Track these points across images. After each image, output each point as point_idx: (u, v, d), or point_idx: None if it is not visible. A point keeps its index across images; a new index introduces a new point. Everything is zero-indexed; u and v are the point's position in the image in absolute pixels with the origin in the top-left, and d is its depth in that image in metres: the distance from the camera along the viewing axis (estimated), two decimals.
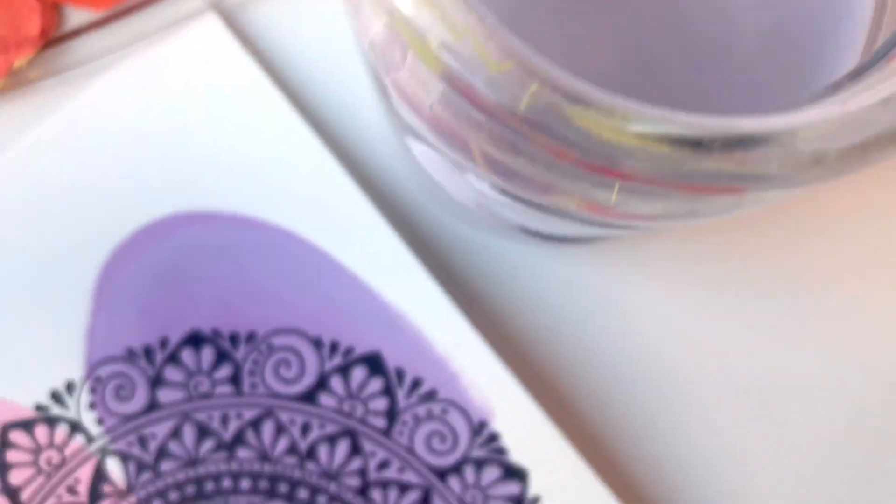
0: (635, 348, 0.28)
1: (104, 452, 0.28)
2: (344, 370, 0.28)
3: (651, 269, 0.28)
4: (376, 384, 0.28)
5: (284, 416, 0.28)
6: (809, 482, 0.28)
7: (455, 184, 0.21)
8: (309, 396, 0.28)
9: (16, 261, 0.28)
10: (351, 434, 0.28)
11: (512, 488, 0.28)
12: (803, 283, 0.28)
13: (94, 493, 0.28)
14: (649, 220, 0.17)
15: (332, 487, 0.28)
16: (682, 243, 0.28)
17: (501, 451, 0.28)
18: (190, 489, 0.28)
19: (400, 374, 0.28)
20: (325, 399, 0.28)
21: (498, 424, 0.28)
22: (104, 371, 0.28)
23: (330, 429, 0.28)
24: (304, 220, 0.28)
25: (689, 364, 0.28)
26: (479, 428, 0.28)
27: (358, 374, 0.28)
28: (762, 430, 0.28)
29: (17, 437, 0.28)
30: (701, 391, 0.28)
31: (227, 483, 0.28)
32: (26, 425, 0.28)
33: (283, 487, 0.28)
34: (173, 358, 0.28)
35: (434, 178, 0.23)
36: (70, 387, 0.28)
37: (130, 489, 0.28)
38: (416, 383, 0.28)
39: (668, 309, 0.28)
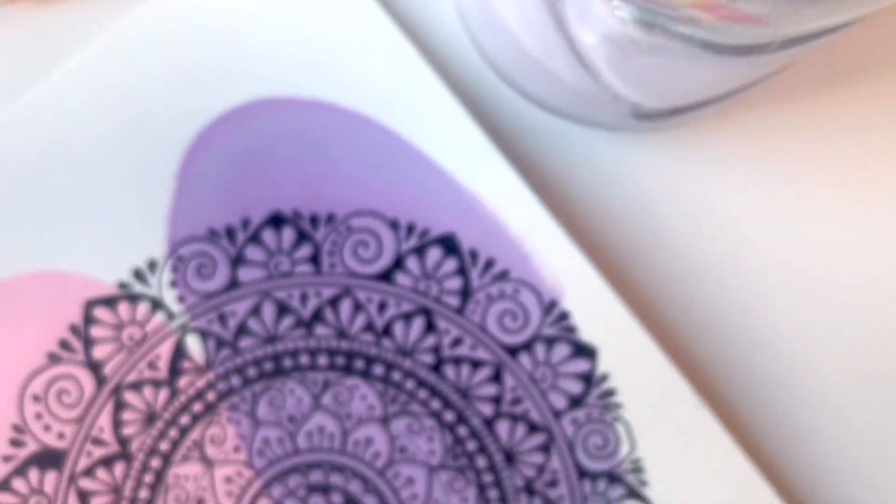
0: (701, 234, 0.29)
1: (184, 329, 0.29)
2: (420, 251, 0.29)
3: (717, 156, 0.29)
4: (451, 264, 0.29)
5: (361, 295, 0.29)
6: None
7: (561, 55, 0.22)
8: (385, 276, 0.29)
9: (104, 145, 0.29)
10: (425, 312, 0.29)
11: (581, 366, 0.29)
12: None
13: (174, 369, 0.29)
14: (753, 23, 0.17)
15: (407, 364, 0.29)
16: (747, 131, 0.29)
17: (571, 330, 0.29)
18: (268, 365, 0.29)
19: (474, 255, 0.29)
20: (401, 278, 0.29)
21: (568, 303, 0.29)
22: (186, 250, 0.29)
23: (405, 307, 0.29)
24: (382, 105, 0.29)
25: (757, 248, 0.29)
26: (549, 307, 0.29)
27: (433, 254, 0.29)
28: (824, 317, 0.29)
29: (100, 313, 0.29)
30: (769, 274, 0.29)
31: (304, 359, 0.29)
32: (109, 302, 0.29)
33: (359, 364, 0.29)
34: (254, 238, 0.29)
35: (531, 55, 0.24)
36: (152, 265, 0.29)
37: (209, 365, 0.29)
38: (490, 263, 0.29)
39: (736, 195, 0.29)
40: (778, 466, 0.29)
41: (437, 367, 0.29)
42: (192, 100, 0.29)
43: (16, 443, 0.29)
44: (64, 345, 0.29)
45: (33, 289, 0.29)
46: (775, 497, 0.29)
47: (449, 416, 0.29)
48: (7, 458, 0.29)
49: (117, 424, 0.29)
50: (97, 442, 0.29)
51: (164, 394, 0.29)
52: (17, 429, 0.29)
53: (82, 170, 0.29)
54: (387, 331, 0.29)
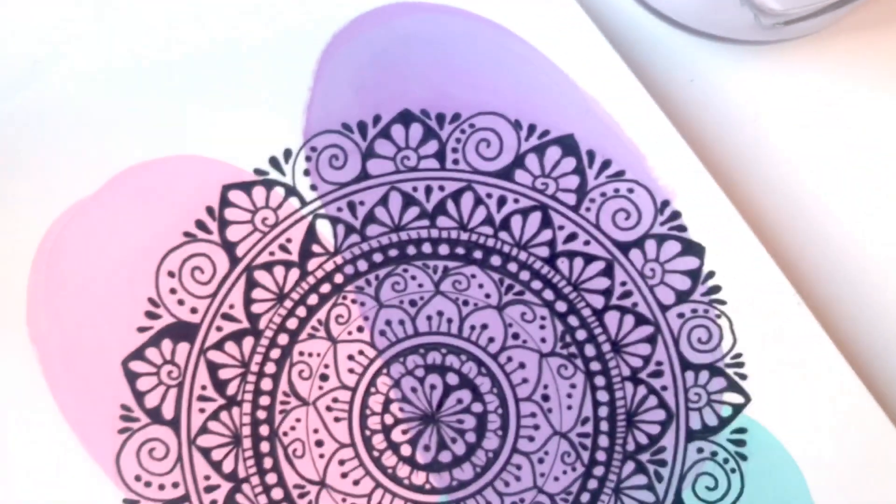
0: (809, 144, 0.31)
1: (316, 215, 0.31)
2: (539, 150, 0.31)
3: (831, 71, 0.31)
4: (568, 164, 0.31)
5: (482, 190, 0.31)
6: None
7: None
8: (506, 173, 0.31)
9: (250, 41, 0.31)
10: (542, 208, 0.31)
11: (689, 263, 0.31)
12: None
13: (304, 252, 0.31)
14: None
15: (522, 256, 0.31)
16: (861, 49, 0.31)
17: (682, 229, 0.31)
18: (393, 252, 0.31)
19: (591, 156, 0.31)
20: (521, 175, 0.31)
21: (680, 204, 0.31)
22: (320, 141, 0.31)
23: (523, 203, 0.31)
24: (510, 12, 0.31)
25: (861, 160, 0.31)
26: (662, 206, 0.31)
27: (552, 154, 0.31)
28: None
29: (235, 196, 0.31)
30: (874, 187, 0.31)
31: (426, 248, 0.31)
32: (245, 186, 0.31)
33: (477, 254, 0.31)
34: (384, 133, 0.31)
35: None
36: (287, 154, 0.31)
37: (338, 250, 0.31)
38: (606, 164, 0.31)
39: (845, 110, 0.31)
40: (871, 367, 0.31)
41: (551, 260, 0.31)
42: (332, 2, 0.31)
43: (151, 315, 0.31)
44: (200, 225, 0.31)
45: (175, 171, 0.31)
46: (869, 395, 0.30)
47: (561, 306, 0.31)
48: (142, 329, 0.31)
49: (248, 302, 0.31)
50: (228, 317, 0.31)
51: (293, 274, 0.31)
52: (153, 302, 0.31)
53: (229, 63, 0.31)
54: (504, 224, 0.31)
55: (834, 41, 0.31)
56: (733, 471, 0.31)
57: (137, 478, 0.30)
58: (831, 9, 0.27)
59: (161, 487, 0.30)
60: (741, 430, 0.31)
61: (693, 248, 0.31)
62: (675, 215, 0.31)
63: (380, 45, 0.31)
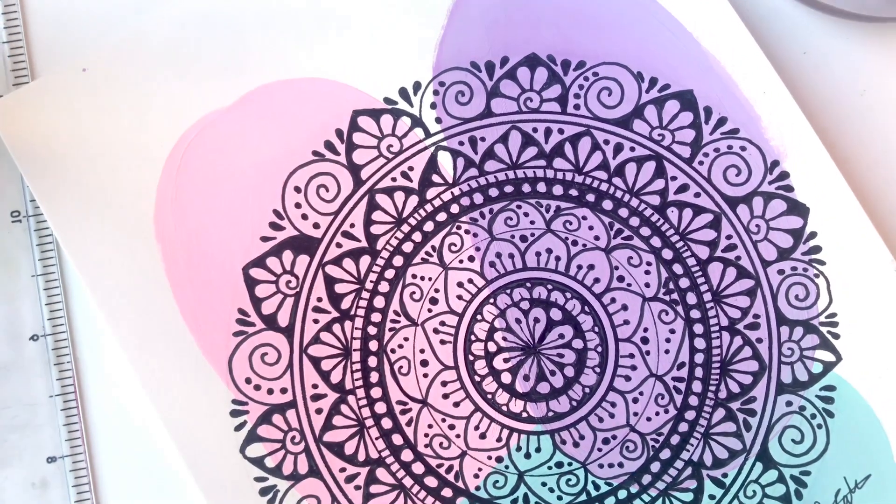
0: None
1: (438, 147, 0.32)
2: (659, 102, 0.33)
3: None
4: (686, 118, 0.32)
5: (600, 136, 0.32)
6: None
7: None
8: (624, 122, 0.33)
9: None
10: (657, 158, 0.32)
11: (793, 222, 0.32)
12: None
13: (425, 180, 0.32)
14: None
15: (633, 202, 0.32)
16: None
17: (789, 189, 0.32)
18: (508, 188, 0.32)
19: (707, 112, 0.32)
20: (639, 125, 0.32)
21: (789, 165, 0.32)
22: (448, 77, 0.33)
23: (639, 152, 0.32)
24: None
25: None
26: (772, 166, 0.32)
27: (670, 107, 0.32)
28: None
29: (364, 122, 0.32)
30: None
31: (541, 187, 0.32)
32: (374, 113, 0.33)
33: (590, 197, 0.32)
34: (510, 74, 0.33)
35: None
36: (416, 86, 0.33)
37: (456, 181, 0.32)
38: (721, 121, 0.32)
39: None
40: None
41: (661, 209, 0.32)
42: None
43: (275, 226, 0.32)
44: (329, 146, 0.32)
45: (309, 92, 0.32)
46: None
47: (667, 254, 0.32)
48: (266, 239, 0.32)
49: (368, 222, 0.32)
50: (348, 235, 0.32)
51: (412, 200, 0.32)
52: (278, 214, 0.32)
53: None
54: (619, 171, 0.32)
55: None
56: (819, 426, 0.32)
57: (248, 380, 0.31)
58: None
59: (270, 392, 0.31)
60: (830, 388, 0.32)
61: (798, 208, 0.32)
62: (784, 175, 0.32)
63: None
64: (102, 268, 0.31)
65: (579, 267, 0.32)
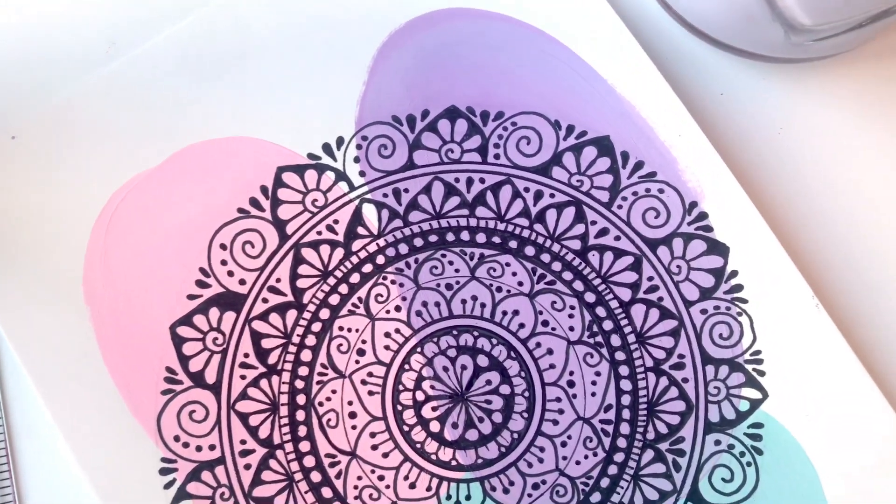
0: (823, 162, 0.33)
1: (363, 200, 0.33)
2: (576, 149, 0.33)
3: (848, 95, 0.33)
4: (603, 163, 0.33)
5: (520, 184, 0.33)
6: None
7: None
8: (544, 169, 0.33)
9: (308, 36, 0.34)
10: (576, 204, 0.33)
11: (714, 261, 0.32)
12: None
13: (350, 233, 0.33)
14: None
15: (556, 247, 0.33)
16: (881, 76, 0.33)
17: (708, 229, 0.32)
18: (433, 237, 0.33)
19: (625, 157, 0.33)
20: (558, 172, 0.33)
21: (707, 205, 0.32)
22: (371, 131, 0.33)
23: (559, 198, 0.33)
24: (551, 19, 0.33)
25: (876, 176, 0.33)
26: (690, 207, 0.33)
27: (588, 153, 0.33)
28: None
29: (289, 177, 0.33)
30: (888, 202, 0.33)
31: (465, 235, 0.33)
32: (298, 169, 0.33)
33: (512, 243, 0.33)
34: (431, 127, 0.33)
35: None
36: (339, 142, 0.33)
37: (381, 233, 0.33)
38: (639, 165, 0.33)
39: (860, 133, 0.33)
40: (885, 370, 0.32)
41: (582, 253, 0.33)
42: (390, 4, 0.34)
43: (201, 284, 0.32)
44: (254, 202, 0.33)
45: (235, 150, 0.33)
46: (882, 397, 0.31)
47: (590, 297, 0.32)
48: (192, 297, 0.32)
49: (294, 276, 0.32)
50: (274, 290, 0.32)
51: (338, 253, 0.33)
52: (204, 272, 0.32)
53: (291, 57, 0.33)
54: (540, 217, 0.33)
55: (859, 63, 0.33)
56: (749, 464, 0.32)
57: (176, 438, 0.31)
58: (859, 27, 0.30)
59: (198, 449, 0.31)
60: (758, 425, 0.32)
61: (718, 248, 0.32)
62: (703, 216, 0.33)
63: (430, 47, 0.34)
64: (31, 330, 0.31)
65: (504, 313, 0.32)
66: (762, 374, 0.32)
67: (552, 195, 0.33)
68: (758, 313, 0.32)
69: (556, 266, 0.33)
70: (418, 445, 0.32)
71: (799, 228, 0.33)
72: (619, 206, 0.33)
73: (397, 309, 0.32)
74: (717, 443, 0.32)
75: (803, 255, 0.33)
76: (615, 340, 0.32)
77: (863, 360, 0.32)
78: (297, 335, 0.32)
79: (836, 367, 0.32)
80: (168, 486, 0.31)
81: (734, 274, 0.32)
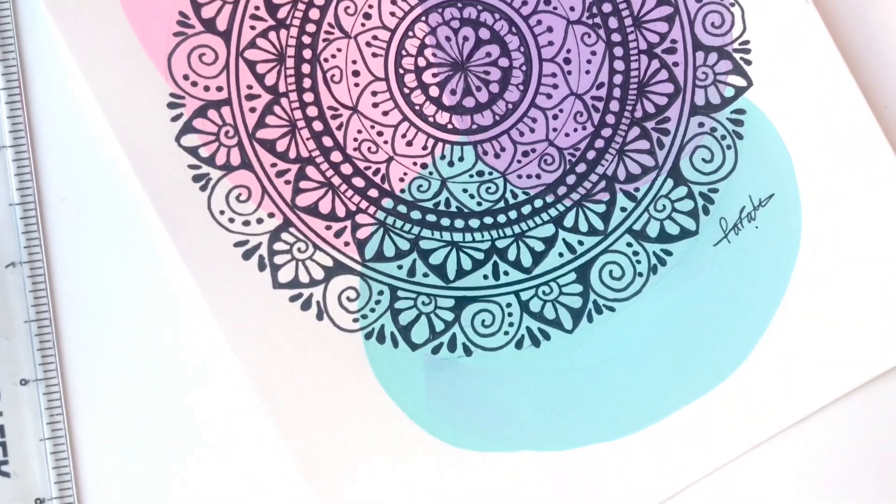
0: None
1: None
2: None
3: None
4: None
5: None
6: None
7: None
8: None
9: None
10: None
11: None
12: None
13: None
14: None
15: None
16: None
17: None
18: None
19: None
20: None
21: None
22: None
23: None
24: None
25: None
26: None
27: None
28: None
29: None
30: None
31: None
32: None
33: None
34: None
35: None
36: None
37: None
38: None
39: None
40: (868, 71, 0.34)
41: None
42: None
43: None
44: None
45: None
46: (859, 92, 0.33)
47: None
48: None
49: None
50: None
51: None
52: None
53: None
54: None
55: None
56: (729, 147, 0.33)
57: (185, 76, 0.32)
58: None
59: (206, 89, 0.32)
60: (740, 111, 0.33)
61: None
62: None
63: None
64: None
65: None
66: (748, 62, 0.33)
67: None
68: (749, 5, 0.33)
69: None
70: (417, 107, 0.33)
71: None
72: None
73: None
74: (701, 125, 0.33)
75: None
76: (612, 22, 0.34)
77: (846, 58, 0.33)
78: None
79: (820, 63, 0.33)
80: (175, 119, 0.32)
81: None
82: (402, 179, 0.33)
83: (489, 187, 0.33)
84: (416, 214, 0.33)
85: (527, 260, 0.33)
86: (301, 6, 0.33)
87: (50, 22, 0.32)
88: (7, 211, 0.32)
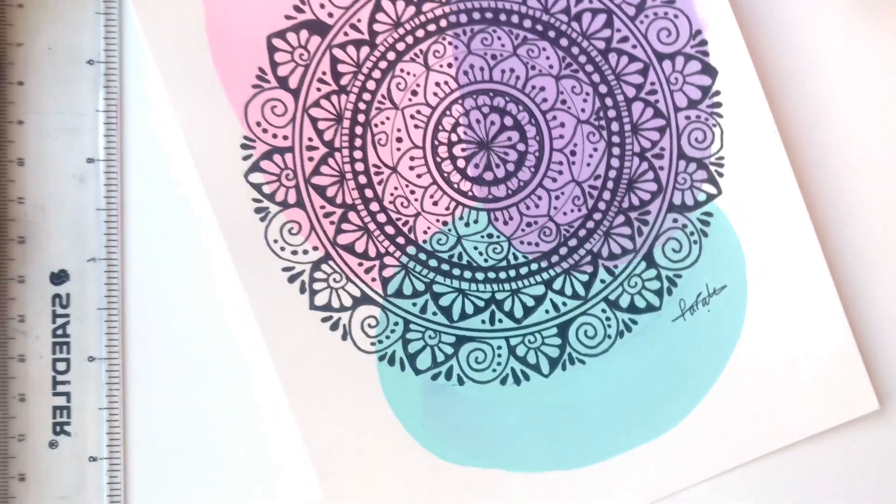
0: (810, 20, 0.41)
1: None
2: None
3: None
4: None
5: None
6: None
7: None
8: None
9: None
10: (608, 12, 0.41)
11: (704, 80, 0.41)
12: None
13: None
14: None
15: (584, 43, 0.41)
16: None
17: (705, 54, 0.41)
18: (489, 14, 0.40)
19: None
20: None
21: (708, 34, 0.41)
22: None
23: (595, 4, 0.41)
24: None
25: None
26: (695, 34, 0.41)
27: None
28: None
29: None
30: None
31: (514, 18, 0.40)
32: None
33: (551, 33, 0.41)
34: None
35: None
36: None
37: (449, 0, 0.40)
38: None
39: None
40: (816, 201, 0.41)
41: (604, 53, 0.41)
42: None
43: (298, 9, 0.39)
44: None
45: None
46: (808, 219, 0.40)
47: (603, 89, 0.41)
48: (289, 17, 0.39)
49: (372, 20, 0.40)
50: (354, 28, 0.40)
51: (410, 10, 0.40)
52: (302, 0, 0.40)
53: None
54: (577, 17, 0.41)
55: None
56: (695, 242, 0.41)
57: (258, 123, 0.39)
58: None
59: (274, 136, 0.39)
60: (709, 214, 0.41)
61: (709, 70, 0.41)
62: (703, 42, 0.41)
63: None
64: (155, 13, 0.38)
65: (533, 87, 0.40)
66: (721, 175, 0.41)
67: (591, 1, 0.41)
68: (728, 128, 0.41)
69: (582, 59, 0.41)
70: (445, 174, 0.40)
71: (777, 65, 0.41)
72: (641, 22, 0.41)
73: (449, 65, 0.40)
74: (675, 221, 0.41)
75: (774, 94, 0.41)
76: (614, 127, 0.41)
77: (799, 179, 0.41)
78: (367, 67, 0.40)
79: (778, 183, 0.41)
80: (246, 158, 0.39)
81: (717, 93, 0.41)
82: (425, 232, 0.40)
83: (496, 248, 0.40)
84: (433, 262, 0.40)
85: (519, 312, 0.40)
86: (360, 77, 0.40)
87: (151, 62, 0.38)
88: (94, 214, 0.38)
